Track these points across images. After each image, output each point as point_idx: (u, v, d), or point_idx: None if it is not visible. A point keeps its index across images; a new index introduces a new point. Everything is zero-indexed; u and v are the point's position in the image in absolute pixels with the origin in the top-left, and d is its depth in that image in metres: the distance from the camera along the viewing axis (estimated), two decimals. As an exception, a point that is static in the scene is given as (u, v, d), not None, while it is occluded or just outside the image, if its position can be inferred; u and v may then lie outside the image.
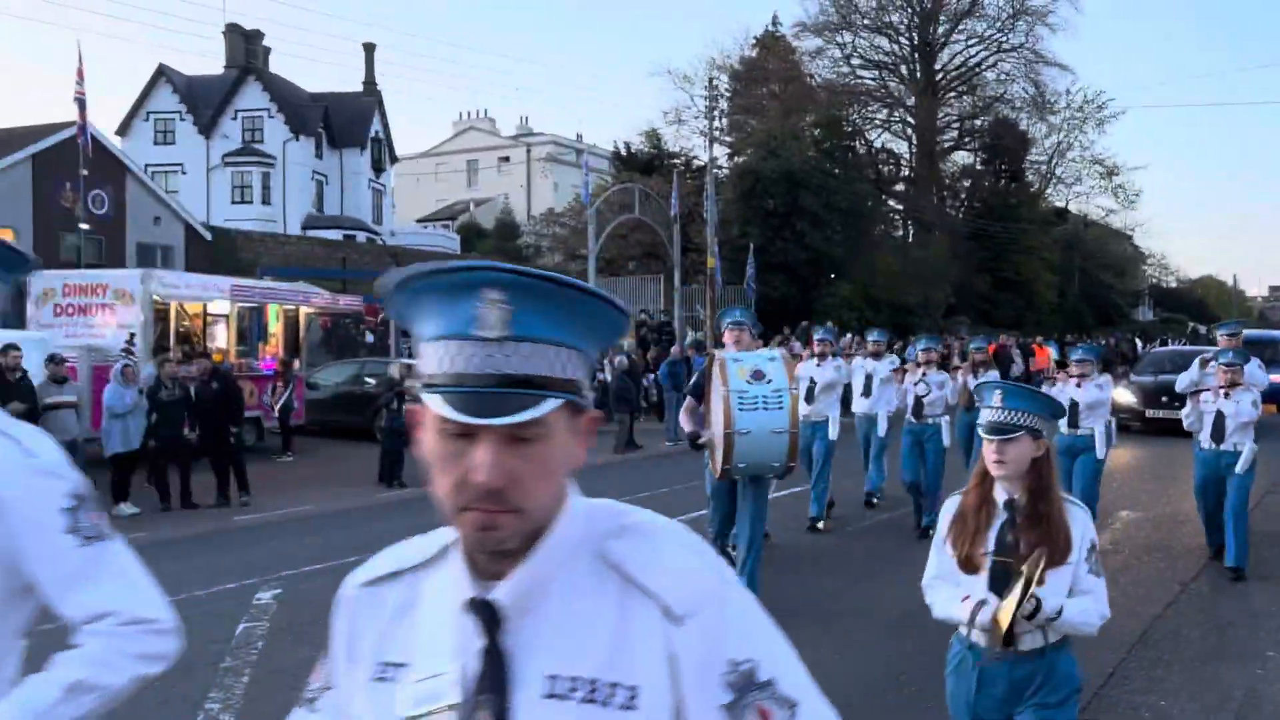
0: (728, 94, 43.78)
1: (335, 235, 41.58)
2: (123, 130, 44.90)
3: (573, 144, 62.66)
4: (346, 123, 47.96)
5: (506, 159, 62.53)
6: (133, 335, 14.47)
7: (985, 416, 3.13)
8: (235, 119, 45.59)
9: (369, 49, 50.16)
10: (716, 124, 35.62)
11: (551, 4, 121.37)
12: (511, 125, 66.32)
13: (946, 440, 10.04)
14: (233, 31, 47.17)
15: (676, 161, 41.07)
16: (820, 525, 10.17)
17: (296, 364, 17.06)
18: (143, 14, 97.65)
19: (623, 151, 43.58)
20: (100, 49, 79.50)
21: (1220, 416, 8.24)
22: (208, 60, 48.31)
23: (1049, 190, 54.24)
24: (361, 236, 44.39)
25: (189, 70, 47.18)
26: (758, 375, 6.60)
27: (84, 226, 25.86)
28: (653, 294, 31.02)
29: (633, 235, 35.29)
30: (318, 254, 35.89)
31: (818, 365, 10.39)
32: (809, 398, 9.86)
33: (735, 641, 1.16)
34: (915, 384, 9.97)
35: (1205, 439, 8.32)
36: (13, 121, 37.67)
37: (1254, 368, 8.61)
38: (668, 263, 30.91)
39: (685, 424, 7.27)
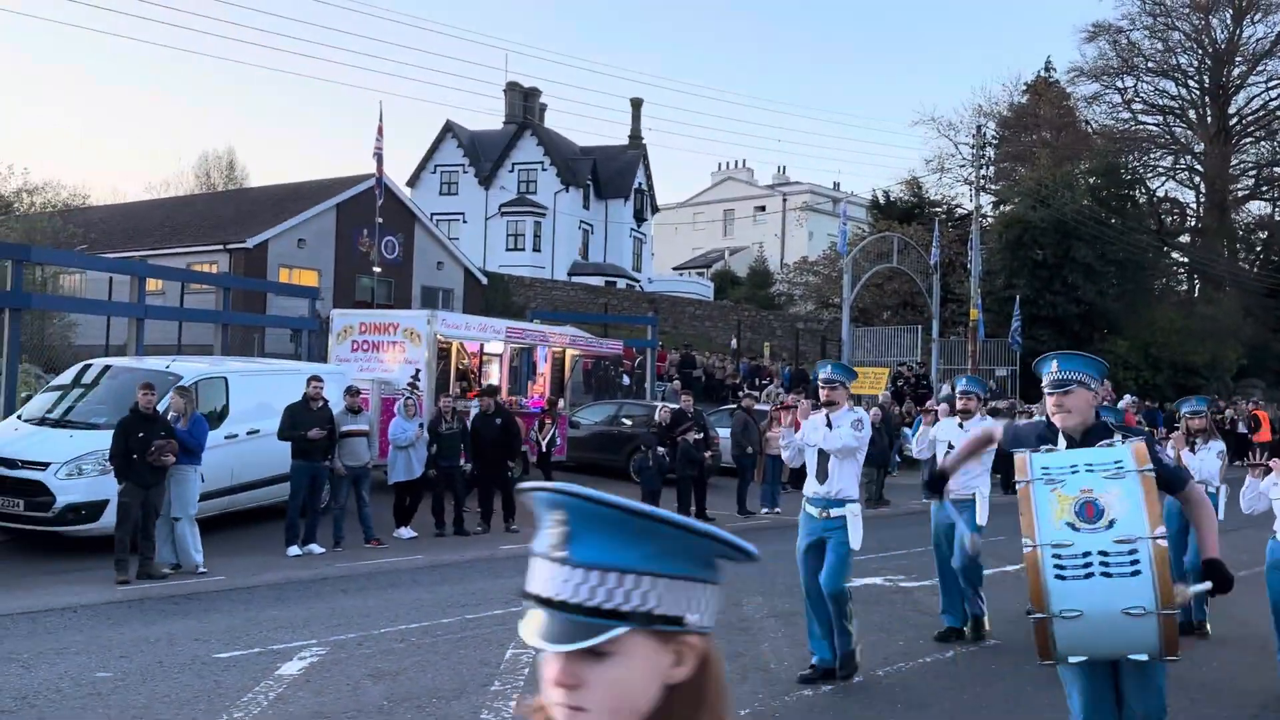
0: (995, 141, 42.37)
1: (598, 281, 43.38)
2: (412, 182, 48.91)
3: (829, 193, 62.51)
4: (612, 174, 50.12)
5: (762, 208, 63.20)
6: (418, 371, 15.67)
7: None
8: (512, 171, 48.68)
9: (636, 104, 52.22)
10: (982, 172, 34.50)
11: (816, 54, 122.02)
12: (769, 175, 67.05)
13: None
14: (512, 89, 50.47)
15: (938, 210, 40.06)
16: (965, 633, 8.26)
17: (561, 403, 17.90)
18: (435, 74, 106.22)
19: (881, 200, 43.02)
20: (396, 106, 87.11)
21: None
22: (490, 116, 52.01)
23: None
24: (621, 283, 46.07)
25: (472, 126, 50.83)
26: (1088, 511, 3.74)
27: (377, 270, 28.35)
28: (908, 345, 30.28)
29: (888, 284, 34.67)
30: (582, 299, 37.55)
31: (960, 426, 8.35)
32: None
33: None
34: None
35: None
36: (320, 174, 41.95)
37: None
38: (925, 313, 30.14)
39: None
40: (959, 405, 8.61)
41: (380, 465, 13.34)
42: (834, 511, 6.84)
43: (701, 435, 15.13)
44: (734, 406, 19.01)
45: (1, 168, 41.26)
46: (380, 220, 26.46)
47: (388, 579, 10.26)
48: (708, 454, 15.44)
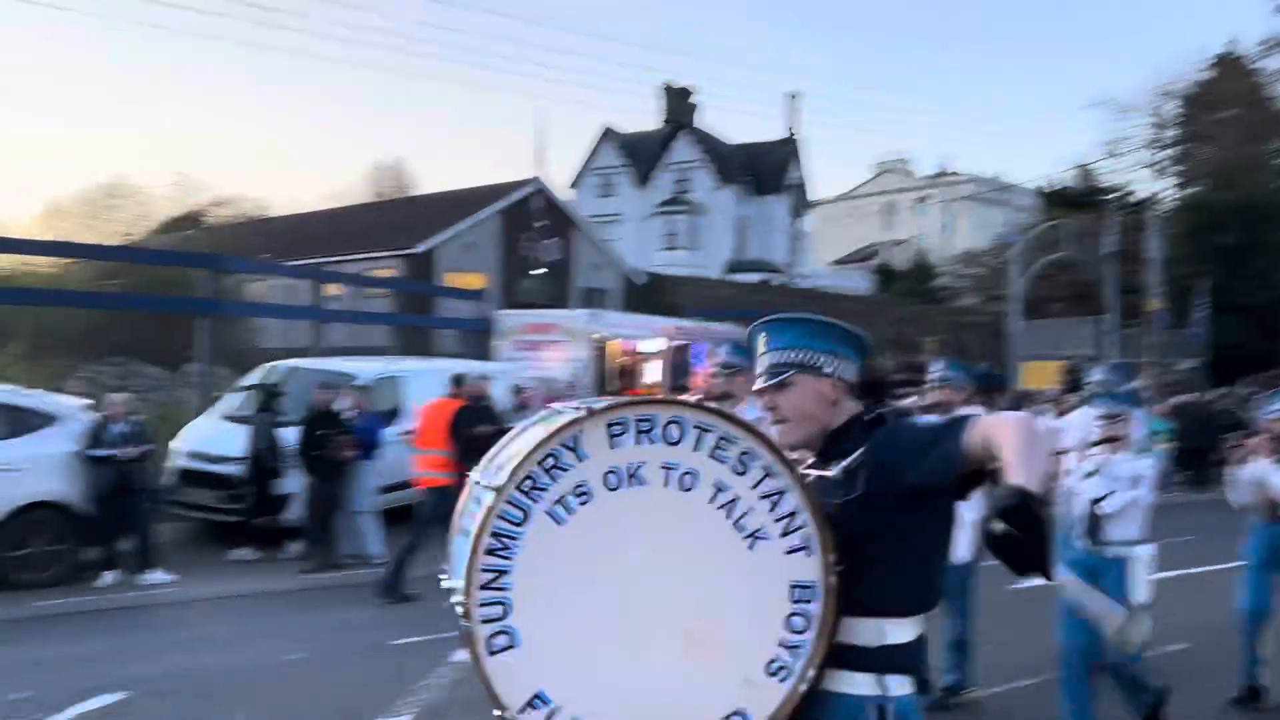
0: (1176, 122, 39.99)
1: (754, 278, 43.18)
2: (573, 185, 49.91)
3: (993, 182, 60.37)
4: (768, 170, 49.83)
5: (924, 200, 61.56)
6: (578, 369, 15.99)
7: None
8: (668, 171, 49.03)
9: (792, 98, 51.77)
10: (1162, 155, 32.67)
11: (978, 39, 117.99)
12: (930, 166, 65.24)
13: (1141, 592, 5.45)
14: (667, 90, 50.82)
15: (1112, 196, 38.11)
16: None
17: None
18: (593, 77, 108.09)
19: (1049, 188, 41.25)
20: (554, 111, 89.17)
21: None
22: (645, 117, 52.85)
23: None
24: (778, 279, 45.73)
25: (629, 128, 51.47)
26: None
27: (538, 272, 29.09)
28: (1081, 338, 28.93)
29: (1057, 276, 33.21)
30: (738, 296, 37.45)
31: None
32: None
33: None
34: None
35: None
36: (484, 180, 43.34)
37: None
38: (1099, 304, 28.75)
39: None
40: (931, 399, 6.53)
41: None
42: None
43: None
44: (896, 407, 18.60)
45: (191, 181, 44.38)
46: (542, 223, 27.23)
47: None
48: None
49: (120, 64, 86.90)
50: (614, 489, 2.22)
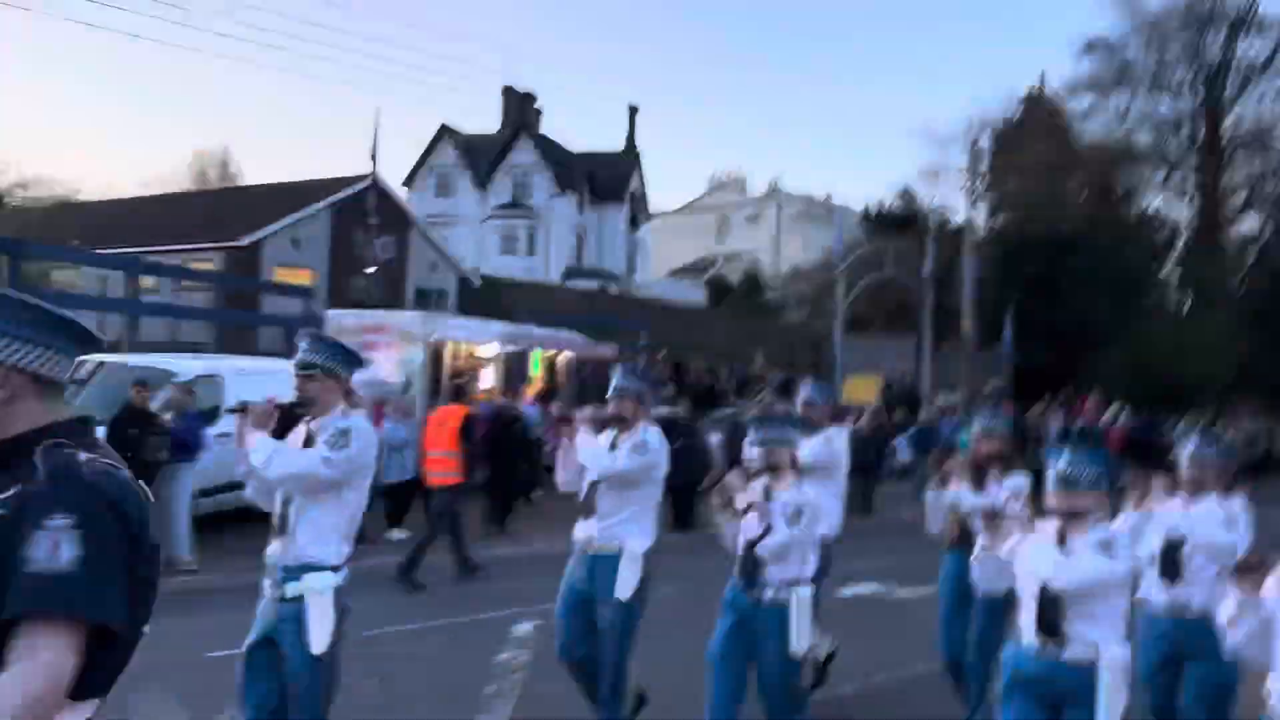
0: (989, 154, 42.48)
1: (591, 285, 43.40)
2: (408, 182, 48.92)
3: (823, 202, 62.66)
4: (608, 180, 50.22)
5: (756, 216, 63.31)
6: (411, 373, 15.66)
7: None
8: (507, 175, 48.71)
9: (632, 111, 52.33)
10: (976, 184, 34.68)
11: (812, 65, 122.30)
12: (763, 184, 67.18)
13: None
14: (508, 93, 50.52)
15: (931, 221, 40.17)
16: None
17: (555, 406, 17.88)
18: (431, 75, 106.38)
19: (874, 210, 43.15)
20: (391, 107, 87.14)
21: None
22: (485, 119, 52.43)
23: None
24: (614, 288, 46.09)
25: (468, 129, 50.88)
26: None
27: (370, 271, 28.33)
28: (899, 355, 30.38)
29: (880, 295, 34.74)
30: (575, 303, 37.57)
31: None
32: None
33: None
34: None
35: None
36: (315, 174, 41.90)
37: None
38: (917, 323, 30.22)
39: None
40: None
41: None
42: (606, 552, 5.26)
43: (679, 446, 14.52)
44: (729, 413, 19.03)
45: (-4, 162, 41.14)
46: (375, 221, 26.53)
47: (380, 580, 10.24)
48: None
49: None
50: None
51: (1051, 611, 3.78)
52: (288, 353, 18.15)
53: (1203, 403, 33.92)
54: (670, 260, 62.01)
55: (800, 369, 33.44)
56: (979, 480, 5.52)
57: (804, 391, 6.75)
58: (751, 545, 4.68)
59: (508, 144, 48.96)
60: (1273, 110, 45.65)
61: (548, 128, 51.80)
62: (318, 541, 4.09)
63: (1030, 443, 20.62)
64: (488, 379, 17.75)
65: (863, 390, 24.93)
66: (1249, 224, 48.50)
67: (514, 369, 18.39)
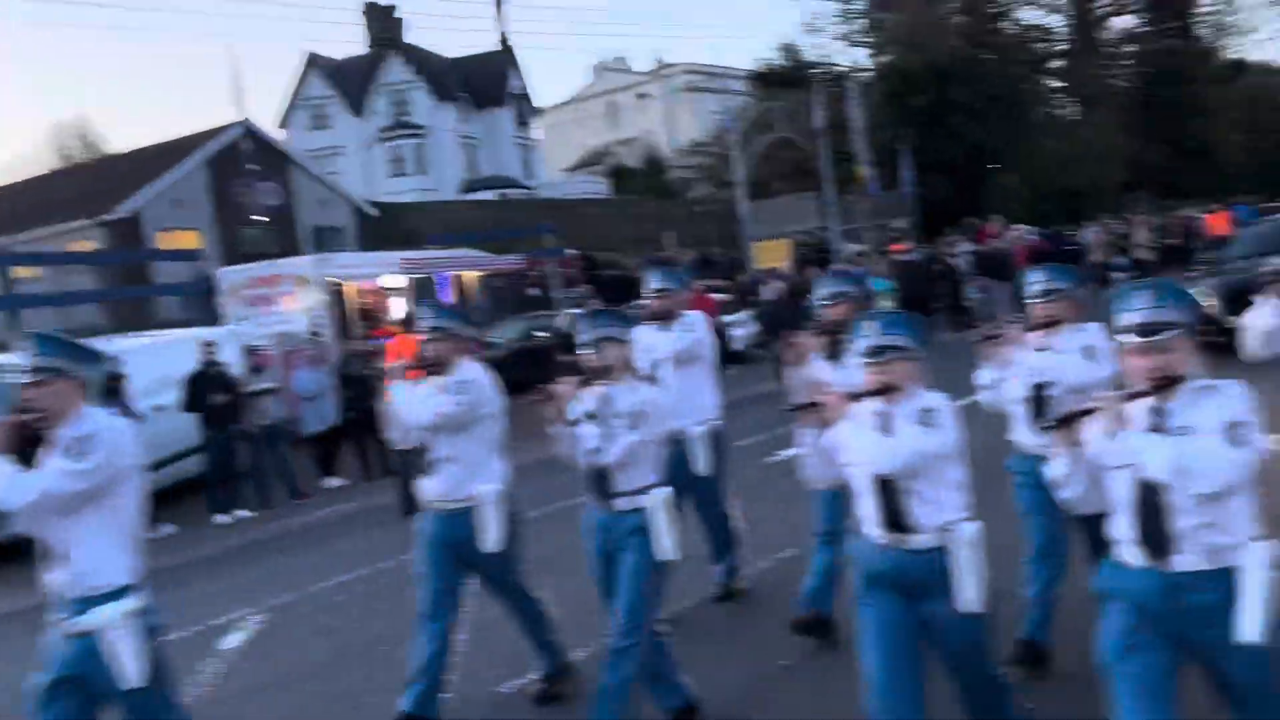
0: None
1: (490, 195, 42.63)
2: (283, 123, 47.12)
3: (709, 69, 61.84)
4: (487, 83, 48.88)
5: (645, 95, 62.33)
6: (317, 318, 15.32)
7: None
8: (382, 95, 47.12)
9: (498, 5, 50.74)
10: (854, 26, 34.44)
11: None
12: (646, 63, 65.98)
13: None
14: (370, 9, 48.54)
15: (817, 72, 39.93)
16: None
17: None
18: (286, 8, 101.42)
19: (760, 71, 42.71)
20: (251, 49, 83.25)
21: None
22: (351, 44, 50.37)
23: (1224, 43, 49.91)
24: (515, 193, 45.35)
25: (336, 55, 48.96)
26: None
27: (259, 219, 27.47)
28: (805, 213, 30.47)
29: (780, 154, 34.66)
30: (476, 217, 36.91)
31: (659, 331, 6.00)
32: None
33: None
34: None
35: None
36: (183, 130, 40.14)
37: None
38: (818, 178, 30.28)
39: None
40: (654, 308, 6.04)
41: (296, 419, 13.12)
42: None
43: None
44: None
45: None
46: (255, 167, 25.60)
47: (322, 532, 10.19)
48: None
49: None
50: None
51: (887, 501, 3.49)
52: (187, 319, 17.62)
53: (1102, 205, 34.78)
54: (566, 156, 61.07)
55: (711, 244, 33.50)
56: (834, 351, 4.91)
57: (653, 279, 6.08)
58: (593, 457, 4.33)
59: (376, 63, 47.26)
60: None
61: (415, 39, 50.10)
62: (98, 564, 3.61)
63: (943, 278, 21.05)
64: (397, 310, 17.44)
65: (774, 255, 25.04)
66: (1123, 21, 49.10)
67: (423, 296, 18.09)
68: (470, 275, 19.25)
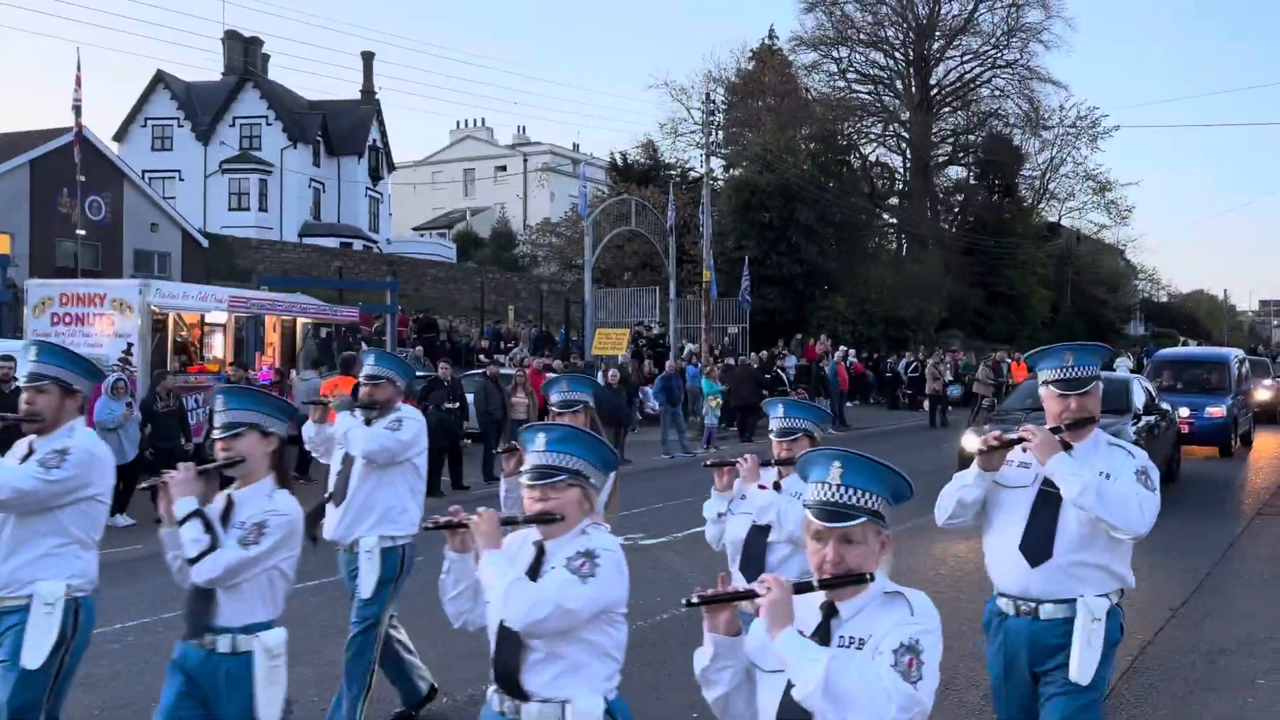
0: (724, 107, 43.96)
1: (332, 243, 41.65)
2: (120, 136, 44.94)
3: (570, 154, 62.83)
4: (344, 131, 48.07)
5: (503, 168, 62.66)
6: (130, 346, 14.49)
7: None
8: (233, 126, 45.64)
9: (368, 58, 50.28)
10: (712, 137, 35.75)
11: (552, 13, 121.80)
12: (509, 135, 66.49)
13: None
14: (231, 39, 47.23)
15: (673, 173, 41.16)
16: None
17: (294, 375, 17.08)
18: (141, 24, 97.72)
19: (619, 162, 43.70)
20: (99, 56, 79.56)
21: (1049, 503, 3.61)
22: (206, 69, 48.72)
23: (1042, 205, 54.51)
24: (358, 244, 44.45)
25: (188, 77, 47.23)
26: None
27: (81, 233, 25.90)
28: (648, 305, 31.08)
29: (628, 246, 35.35)
30: (314, 262, 35.97)
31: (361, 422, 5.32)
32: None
33: None
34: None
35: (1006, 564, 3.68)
36: (11, 127, 37.71)
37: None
38: (663, 274, 31.00)
39: None
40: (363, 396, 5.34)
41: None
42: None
43: (458, 405, 14.13)
44: (479, 372, 18.81)
45: None
46: (82, 178, 24.19)
47: (102, 574, 9.47)
48: (465, 424, 14.86)
49: None
50: None
51: (506, 657, 2.82)
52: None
53: (919, 338, 36.89)
54: (416, 215, 60.47)
55: (552, 322, 33.63)
56: None
57: (367, 364, 5.36)
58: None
59: (232, 93, 45.83)
60: (972, 68, 49.81)
61: (277, 77, 48.98)
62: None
63: (771, 387, 21.75)
64: (216, 347, 16.69)
65: (613, 342, 25.35)
66: (956, 172, 52.97)
67: (247, 336, 17.38)
68: (300, 321, 18.62)
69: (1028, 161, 51.58)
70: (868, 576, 2.34)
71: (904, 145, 50.59)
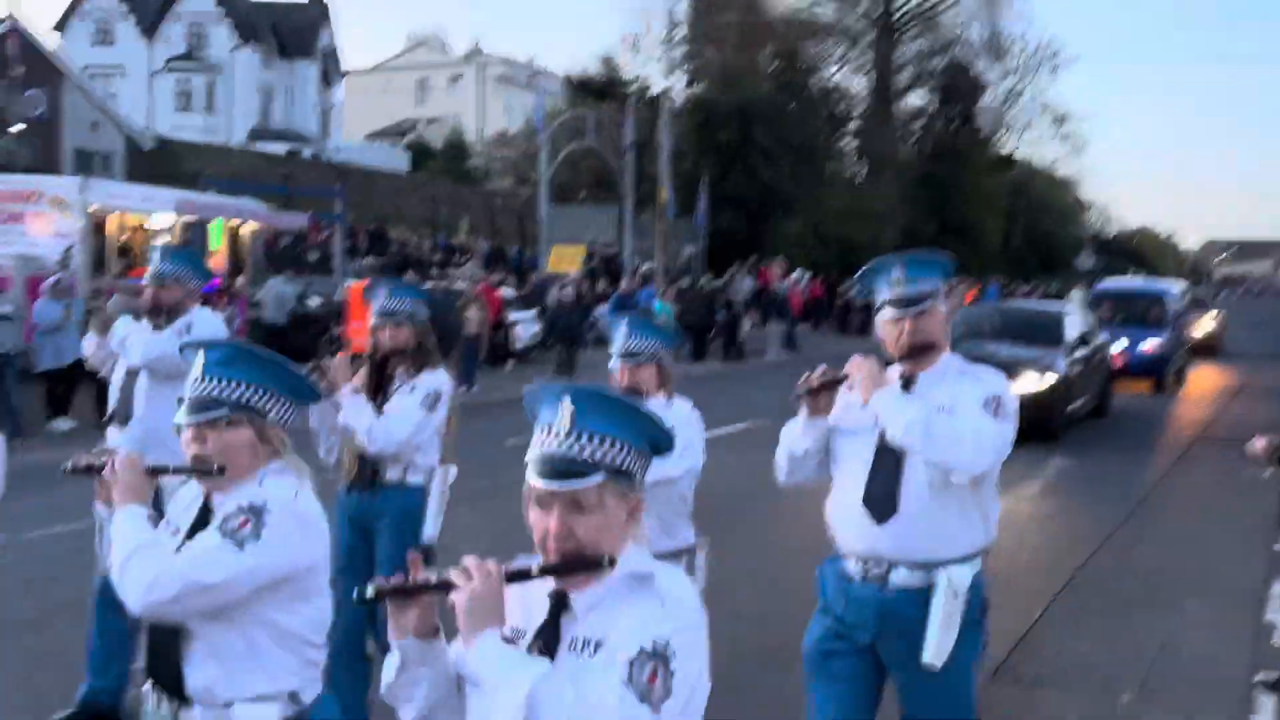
0: (686, 21, 43.16)
1: (280, 148, 40.60)
2: (60, 27, 43.17)
3: (526, 67, 61.52)
4: (295, 32, 46.62)
5: (458, 78, 61.24)
6: (71, 248, 14.09)
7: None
8: (180, 22, 44.00)
9: (319, -45, 48.59)
10: (674, 52, 35.22)
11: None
12: (464, 44, 64.87)
13: None
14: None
15: (631, 90, 40.50)
16: None
17: (240, 282, 16.76)
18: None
19: (577, 77, 42.88)
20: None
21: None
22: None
23: (999, 136, 54.54)
24: (308, 151, 43.39)
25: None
26: None
27: (18, 127, 24.99)
28: (603, 224, 30.78)
29: (584, 163, 34.88)
30: (262, 167, 35.05)
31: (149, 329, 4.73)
32: None
33: None
34: None
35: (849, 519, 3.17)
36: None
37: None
38: (619, 192, 30.71)
39: None
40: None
41: (28, 351, 12.02)
42: None
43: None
44: (430, 285, 18.60)
45: None
46: (21, 69, 23.29)
47: (42, 477, 9.29)
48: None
49: None
50: None
51: (159, 647, 2.33)
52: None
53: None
54: (367, 123, 59.04)
55: (506, 238, 33.28)
56: (378, 385, 4.11)
57: (153, 262, 4.76)
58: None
59: (178, -14, 44.15)
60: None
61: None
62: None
63: (721, 309, 21.78)
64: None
65: (568, 259, 25.16)
66: (917, 98, 52.72)
67: (192, 241, 16.95)
68: (249, 227, 18.22)
69: (987, 91, 51.47)
70: (604, 561, 1.72)
71: (866, 69, 50.15)
